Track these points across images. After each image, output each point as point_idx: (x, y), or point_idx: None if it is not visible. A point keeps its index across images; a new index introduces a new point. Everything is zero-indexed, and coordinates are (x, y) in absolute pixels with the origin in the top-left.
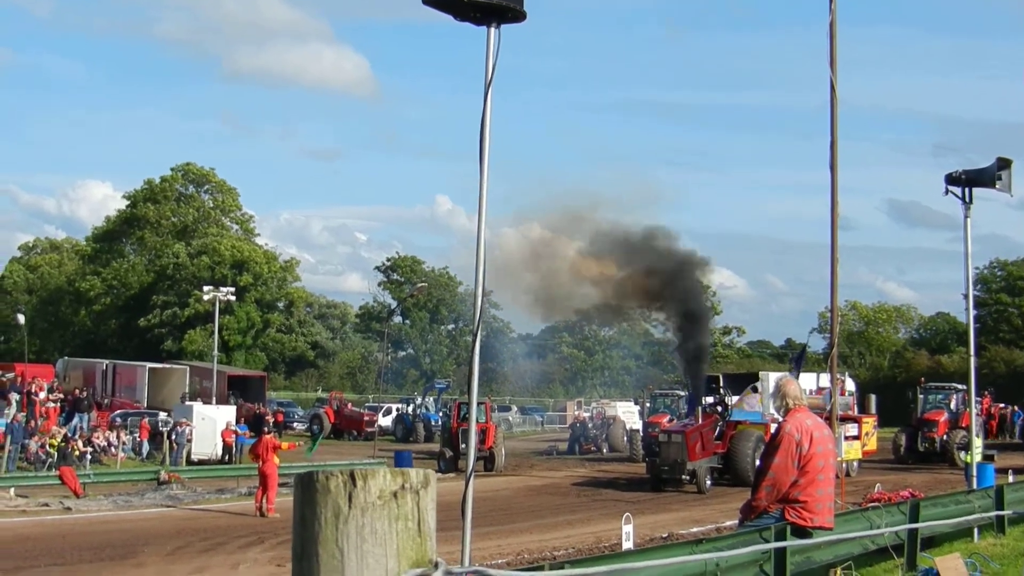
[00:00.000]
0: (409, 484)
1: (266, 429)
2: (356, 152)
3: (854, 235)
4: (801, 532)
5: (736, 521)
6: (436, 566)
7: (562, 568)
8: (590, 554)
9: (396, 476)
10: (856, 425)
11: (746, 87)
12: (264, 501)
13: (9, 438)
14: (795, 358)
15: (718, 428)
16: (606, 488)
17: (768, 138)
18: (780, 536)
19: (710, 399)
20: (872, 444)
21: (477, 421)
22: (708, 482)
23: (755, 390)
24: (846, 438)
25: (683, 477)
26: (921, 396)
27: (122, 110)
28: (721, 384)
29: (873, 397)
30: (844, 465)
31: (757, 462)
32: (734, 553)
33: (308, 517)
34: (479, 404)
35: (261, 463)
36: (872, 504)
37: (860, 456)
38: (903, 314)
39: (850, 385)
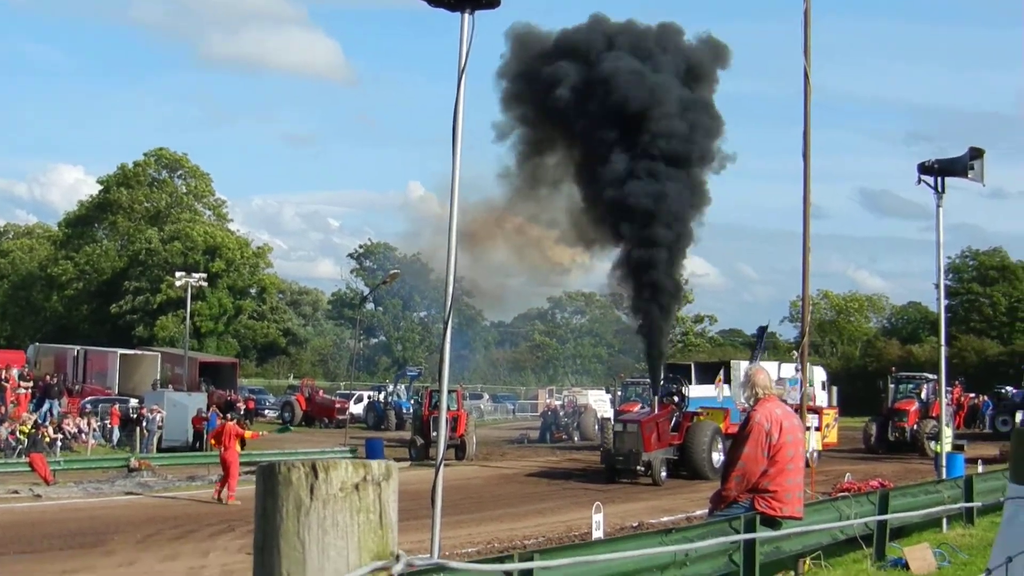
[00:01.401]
0: (371, 476)
1: (229, 416)
2: (330, 138)
3: (826, 223)
4: (771, 522)
5: (706, 510)
6: (397, 559)
7: (531, 559)
8: (560, 543)
9: (358, 468)
10: (816, 416)
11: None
12: (225, 489)
13: None
14: (756, 338)
15: (674, 419)
16: (577, 477)
17: (737, 125)
18: (750, 526)
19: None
20: (832, 436)
21: (448, 409)
22: (663, 474)
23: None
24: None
25: (638, 468)
26: (892, 386)
27: (95, 94)
28: (692, 372)
29: (835, 388)
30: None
31: (714, 454)
32: (704, 544)
33: (270, 509)
34: (450, 392)
35: (223, 450)
36: (842, 494)
37: (820, 448)
38: (875, 303)
39: (820, 374)
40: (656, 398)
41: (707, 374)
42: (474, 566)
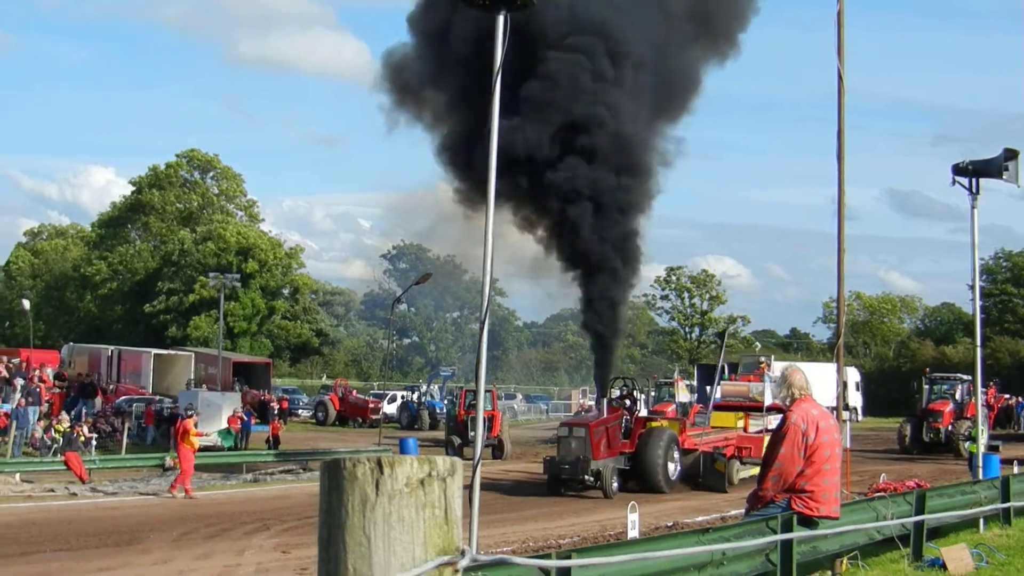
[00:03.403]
0: (436, 472)
1: (188, 412)
2: (358, 139)
3: (856, 224)
4: (807, 522)
5: (742, 511)
6: (463, 554)
7: (569, 557)
8: (595, 543)
9: (423, 464)
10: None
11: (745, 76)
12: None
13: (14, 423)
14: (719, 340)
15: (625, 424)
16: None
17: (766, 127)
18: (787, 526)
19: (616, 391)
20: None
21: (484, 409)
22: (615, 484)
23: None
24: (770, 431)
25: (586, 478)
26: (926, 387)
27: (125, 96)
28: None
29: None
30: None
31: (670, 465)
32: (741, 544)
33: (335, 504)
34: (485, 392)
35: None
36: (878, 494)
37: None
38: (908, 304)
39: (854, 375)
40: (604, 401)
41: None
42: (533, 561)
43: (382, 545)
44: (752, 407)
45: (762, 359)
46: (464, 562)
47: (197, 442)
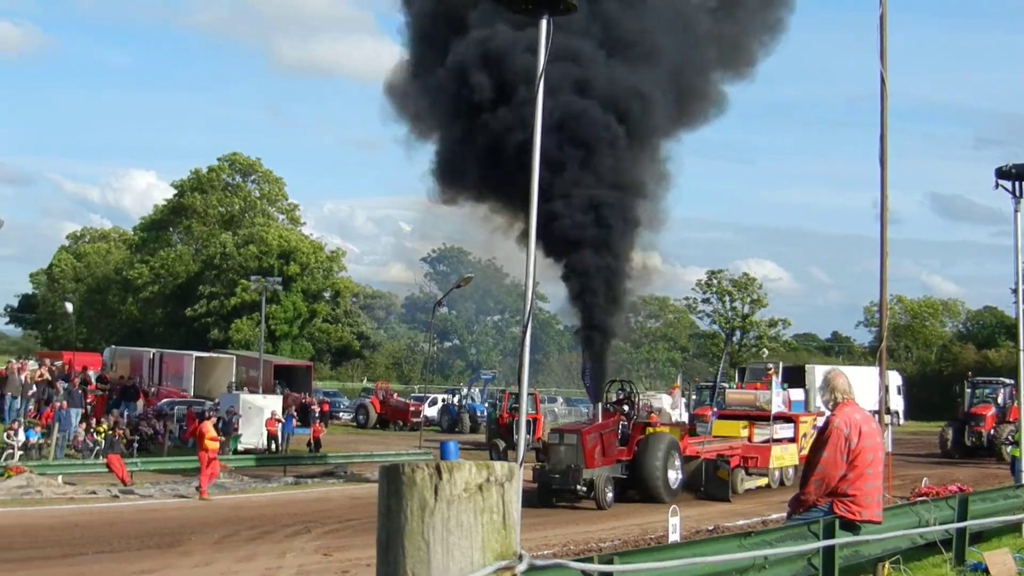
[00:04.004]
0: (494, 477)
1: (209, 414)
2: (398, 143)
3: (898, 228)
4: (850, 526)
5: (784, 514)
6: (520, 558)
7: (611, 562)
8: (636, 546)
9: (481, 469)
10: (791, 425)
11: (784, 79)
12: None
13: (57, 425)
14: (725, 341)
15: (622, 430)
16: None
17: (803, 131)
18: (829, 530)
19: (612, 396)
20: None
21: (527, 412)
22: (609, 495)
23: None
24: (776, 440)
25: (578, 488)
26: (968, 390)
27: (165, 100)
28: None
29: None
30: (778, 473)
31: (670, 473)
32: (783, 549)
33: (394, 508)
34: (528, 395)
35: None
36: (920, 499)
37: (797, 462)
38: (950, 308)
39: (895, 379)
40: (599, 405)
41: (781, 378)
42: (589, 566)
43: (441, 550)
44: (758, 416)
45: (769, 366)
46: (522, 567)
47: (213, 445)
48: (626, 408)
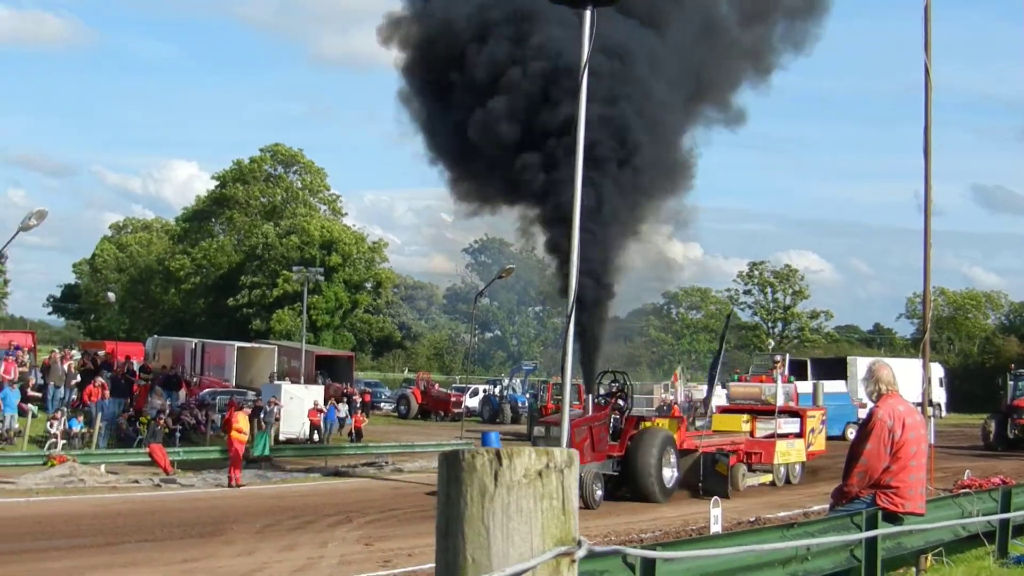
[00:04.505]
0: (554, 463)
1: (237, 403)
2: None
3: (940, 220)
4: (892, 518)
5: (827, 505)
6: (580, 544)
7: (654, 550)
8: (677, 537)
9: (541, 455)
10: (797, 420)
11: (827, 72)
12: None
13: (100, 415)
14: (723, 327)
15: (614, 424)
16: None
17: (845, 123)
18: (871, 522)
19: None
20: (820, 443)
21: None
22: (599, 492)
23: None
24: (781, 435)
25: None
26: (1011, 383)
27: (205, 91)
28: (808, 368)
29: (822, 384)
30: (784, 470)
31: (665, 471)
32: (826, 540)
33: (453, 495)
34: (573, 386)
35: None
36: (963, 491)
37: (804, 459)
38: (993, 300)
39: (937, 371)
40: (590, 397)
41: (823, 370)
42: (645, 552)
43: (500, 535)
44: (763, 410)
45: (776, 357)
46: (581, 552)
47: (239, 436)
48: (620, 401)
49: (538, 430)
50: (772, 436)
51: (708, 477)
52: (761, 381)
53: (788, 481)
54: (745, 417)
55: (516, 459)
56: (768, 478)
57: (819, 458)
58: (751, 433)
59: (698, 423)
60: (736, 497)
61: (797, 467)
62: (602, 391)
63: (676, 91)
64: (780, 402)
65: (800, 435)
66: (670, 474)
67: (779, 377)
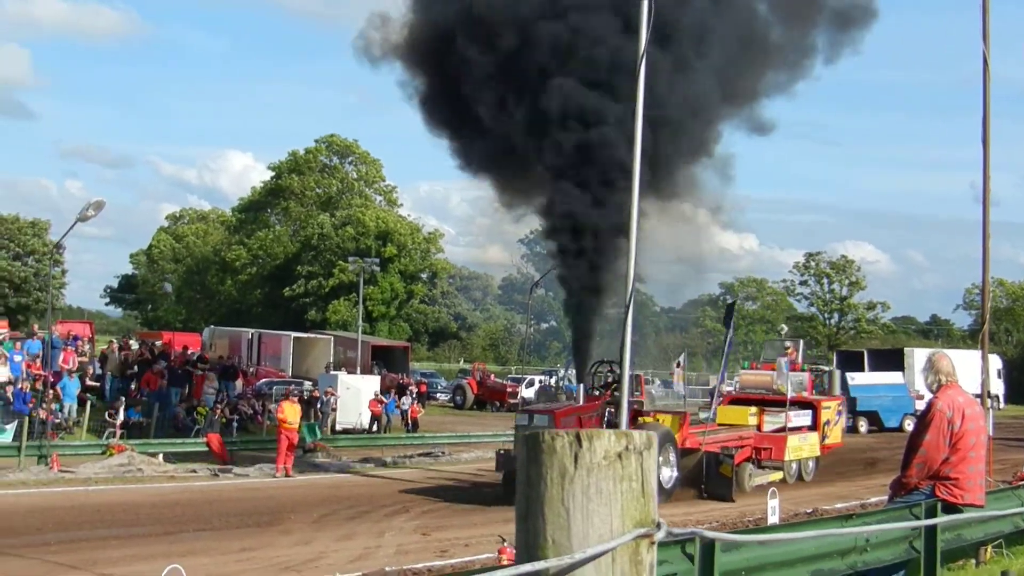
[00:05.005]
0: (633, 445)
1: (292, 395)
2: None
3: (995, 211)
4: (951, 509)
5: (886, 497)
6: (659, 526)
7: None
8: (734, 527)
9: (620, 437)
10: (810, 412)
11: (883, 63)
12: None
13: (157, 404)
14: (726, 316)
15: (608, 418)
16: None
17: (899, 114)
18: (931, 513)
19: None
20: (836, 436)
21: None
22: None
23: (678, 365)
24: (790, 429)
25: None
26: None
27: (258, 83)
28: (865, 359)
29: (837, 374)
30: (795, 466)
31: (664, 470)
32: (886, 528)
33: (534, 477)
34: (633, 376)
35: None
36: (1022, 482)
37: (818, 454)
38: None
39: (995, 362)
40: (580, 387)
41: (880, 361)
42: (723, 535)
43: (580, 517)
44: (773, 400)
45: (788, 344)
46: (660, 535)
47: (286, 426)
48: (614, 392)
49: (520, 419)
50: (783, 430)
51: (711, 479)
52: (773, 369)
53: (800, 477)
54: (753, 409)
55: (596, 441)
56: (778, 476)
57: (832, 452)
58: (759, 427)
59: (702, 415)
60: (743, 498)
61: (810, 463)
62: (598, 383)
63: (717, 83)
64: (791, 393)
65: (814, 427)
66: (669, 474)
67: (786, 365)
